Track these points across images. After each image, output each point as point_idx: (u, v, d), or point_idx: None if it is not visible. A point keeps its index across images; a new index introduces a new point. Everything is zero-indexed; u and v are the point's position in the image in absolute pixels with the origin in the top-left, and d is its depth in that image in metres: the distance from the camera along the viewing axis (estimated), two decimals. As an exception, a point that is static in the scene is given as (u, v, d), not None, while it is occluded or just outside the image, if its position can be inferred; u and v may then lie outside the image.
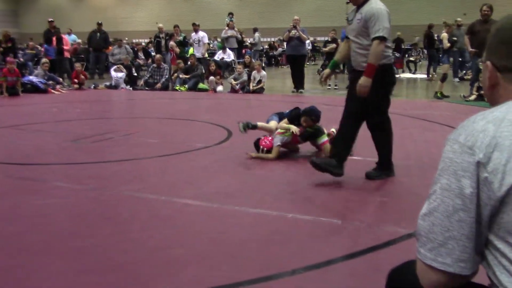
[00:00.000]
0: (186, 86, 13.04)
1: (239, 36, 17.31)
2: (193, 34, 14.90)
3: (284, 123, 5.39)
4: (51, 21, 16.20)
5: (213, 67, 13.08)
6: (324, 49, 16.58)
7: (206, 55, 15.42)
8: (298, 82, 12.27)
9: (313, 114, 5.25)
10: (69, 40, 17.26)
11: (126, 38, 24.12)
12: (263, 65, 17.28)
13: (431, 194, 1.14)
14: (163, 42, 15.59)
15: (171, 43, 14.98)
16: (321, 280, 2.55)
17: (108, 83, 14.09)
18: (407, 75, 17.85)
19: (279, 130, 5.30)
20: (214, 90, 12.59)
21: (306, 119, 5.24)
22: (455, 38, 13.22)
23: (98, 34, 16.77)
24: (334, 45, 13.79)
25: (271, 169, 4.86)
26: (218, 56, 16.96)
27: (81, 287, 2.49)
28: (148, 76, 13.90)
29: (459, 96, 10.86)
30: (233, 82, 12.40)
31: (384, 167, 4.48)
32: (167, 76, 13.69)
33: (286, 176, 4.59)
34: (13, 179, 4.56)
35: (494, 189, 1.03)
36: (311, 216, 3.49)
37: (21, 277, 2.59)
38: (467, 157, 1.07)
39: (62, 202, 3.85)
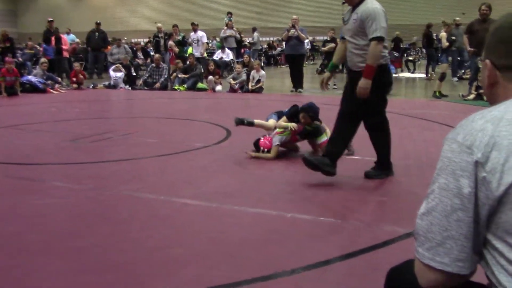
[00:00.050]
0: (185, 85, 13.03)
1: (238, 35, 17.32)
2: (192, 33, 14.90)
3: (282, 121, 5.39)
4: (51, 20, 16.19)
5: (212, 66, 13.08)
6: (323, 48, 16.58)
7: (205, 54, 15.41)
8: (297, 81, 12.27)
9: (310, 110, 5.25)
10: (68, 39, 17.24)
11: (125, 38, 24.12)
12: (262, 64, 17.27)
13: (429, 194, 1.14)
14: (162, 41, 15.58)
15: (170, 42, 14.98)
16: (320, 279, 2.55)
17: (107, 83, 14.09)
18: (406, 74, 17.86)
19: (277, 130, 5.30)
20: (213, 90, 12.59)
21: (304, 116, 5.24)
22: (453, 38, 13.23)
23: (97, 33, 16.75)
24: (333, 45, 13.81)
25: (270, 169, 4.86)
26: (217, 55, 16.96)
27: (79, 287, 2.49)
28: (147, 75, 13.89)
29: (457, 95, 10.88)
30: (232, 82, 12.41)
31: (383, 167, 4.48)
32: (166, 76, 13.69)
33: (285, 175, 4.59)
34: (12, 179, 4.56)
35: (492, 189, 1.03)
36: (310, 215, 3.50)
37: (20, 277, 2.59)
38: (465, 156, 1.07)
39: (61, 202, 3.85)
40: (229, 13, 18.79)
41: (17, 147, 5.94)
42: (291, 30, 11.89)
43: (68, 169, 4.93)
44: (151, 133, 6.90)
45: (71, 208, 3.70)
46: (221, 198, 3.88)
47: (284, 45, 14.15)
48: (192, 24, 15.12)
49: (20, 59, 17.35)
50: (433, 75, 15.50)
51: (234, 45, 17.08)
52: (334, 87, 12.72)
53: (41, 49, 17.62)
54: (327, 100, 9.11)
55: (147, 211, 3.63)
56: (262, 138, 5.34)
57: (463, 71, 14.99)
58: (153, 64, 13.92)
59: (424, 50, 18.03)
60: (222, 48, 17.19)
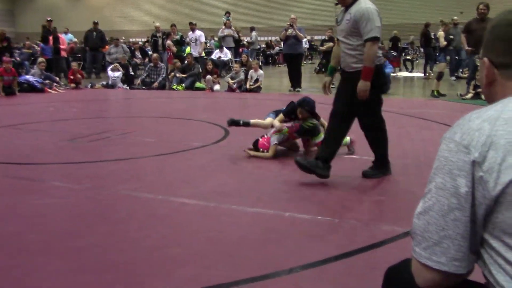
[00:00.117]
0: (183, 85, 13.03)
1: (236, 35, 17.30)
2: (190, 33, 14.89)
3: (279, 119, 5.39)
4: (50, 20, 16.17)
5: (210, 66, 13.08)
6: (321, 47, 16.62)
7: (203, 54, 15.41)
8: (295, 81, 12.27)
9: (305, 104, 5.27)
10: (66, 39, 17.22)
11: (123, 37, 24.10)
12: (260, 64, 17.29)
13: (426, 193, 1.14)
14: (160, 41, 15.57)
15: (168, 42, 14.97)
16: (318, 278, 2.56)
17: (104, 82, 14.08)
18: (404, 73, 17.88)
19: (274, 129, 5.30)
20: (211, 89, 12.59)
21: (301, 111, 5.26)
22: (451, 37, 13.25)
23: (95, 33, 16.74)
24: (331, 44, 13.83)
25: (268, 168, 4.86)
26: (215, 55, 16.95)
27: (77, 286, 2.49)
28: (145, 75, 13.88)
29: (455, 94, 10.89)
30: (230, 81, 12.40)
31: (380, 166, 4.48)
32: (164, 75, 13.68)
33: (283, 175, 4.60)
34: (11, 178, 4.55)
35: (489, 188, 1.03)
36: (308, 215, 3.50)
37: (20, 277, 2.59)
38: (462, 156, 1.07)
39: (60, 201, 3.85)
40: (227, 13, 18.75)
41: (16, 147, 5.93)
42: (289, 30, 11.89)
43: (66, 168, 4.93)
44: (149, 132, 6.90)
45: (70, 208, 3.70)
46: (219, 197, 3.89)
47: (282, 44, 14.14)
48: (190, 23, 15.11)
49: (18, 58, 17.33)
50: (431, 74, 15.53)
51: (232, 44, 17.07)
52: (332, 86, 12.70)
53: (38, 48, 17.58)
54: (325, 99, 9.12)
55: (145, 210, 3.63)
56: (260, 139, 5.35)
57: (461, 70, 14.99)
58: (151, 64, 13.91)
59: (422, 49, 18.05)
60: (220, 47, 17.18)
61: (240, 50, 19.17)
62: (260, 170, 4.81)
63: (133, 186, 4.24)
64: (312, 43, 26.37)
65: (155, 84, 13.34)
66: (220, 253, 2.85)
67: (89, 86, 13.84)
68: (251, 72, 12.35)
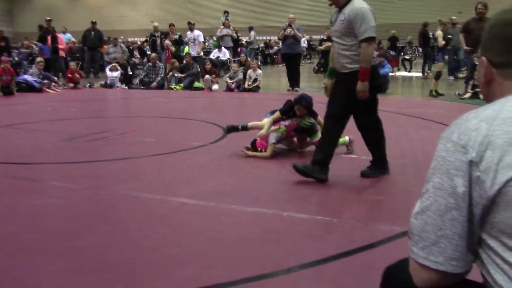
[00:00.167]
0: (182, 85, 13.02)
1: (234, 34, 17.31)
2: (189, 33, 14.88)
3: (274, 118, 5.39)
4: (49, 20, 16.14)
5: (208, 65, 13.08)
6: (319, 47, 16.61)
7: (202, 53, 15.40)
8: (294, 80, 12.27)
9: (303, 100, 5.27)
10: (64, 39, 17.20)
11: (122, 37, 24.08)
12: (259, 63, 17.28)
13: (424, 193, 1.15)
14: (158, 41, 15.56)
15: (167, 41, 14.96)
16: (317, 278, 2.57)
17: (103, 82, 14.07)
18: (403, 73, 17.89)
19: (272, 128, 5.30)
20: (210, 89, 12.59)
21: (299, 108, 5.27)
22: (450, 36, 13.26)
23: (93, 33, 16.72)
24: (329, 43, 13.77)
25: (267, 168, 4.87)
26: (214, 54, 16.95)
27: (76, 286, 2.49)
28: (143, 75, 13.88)
29: (454, 94, 10.90)
30: (229, 81, 12.40)
31: (379, 166, 4.49)
32: (162, 75, 13.67)
33: (282, 174, 4.60)
34: (10, 178, 4.56)
35: (486, 188, 1.04)
36: (307, 214, 3.51)
37: (19, 277, 2.59)
38: (460, 155, 1.07)
39: (60, 201, 3.85)
40: (226, 12, 18.75)
41: (14, 147, 5.93)
42: (288, 29, 11.89)
43: (65, 168, 4.93)
44: (148, 132, 6.90)
45: (70, 208, 3.70)
46: (218, 197, 3.89)
47: (280, 44, 14.14)
48: (189, 23, 15.10)
49: (16, 58, 17.31)
50: (429, 74, 15.54)
51: (231, 44, 17.07)
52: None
53: (36, 48, 17.54)
54: (323, 99, 9.13)
55: (144, 210, 3.64)
56: (258, 139, 5.35)
57: (457, 70, 14.98)
58: (150, 63, 13.91)
59: (420, 49, 18.07)
60: (218, 47, 17.18)
61: (239, 49, 19.17)
62: (258, 169, 4.81)
63: (132, 186, 4.24)
64: (311, 42, 26.36)
65: (154, 84, 13.34)
66: (220, 252, 2.86)
67: (87, 86, 13.82)
68: (249, 71, 12.35)
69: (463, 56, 12.90)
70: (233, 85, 12.30)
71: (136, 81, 13.99)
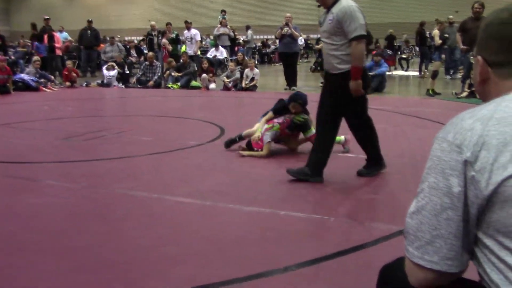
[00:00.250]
0: (179, 83, 13.01)
1: (231, 33, 17.30)
2: (186, 31, 14.87)
3: (267, 117, 5.41)
4: (47, 18, 16.09)
5: (205, 64, 13.06)
6: (316, 46, 16.62)
7: (199, 52, 15.38)
8: (291, 79, 12.27)
9: (299, 98, 5.31)
10: (61, 37, 17.16)
11: (118, 36, 24.04)
12: (256, 62, 17.27)
13: (419, 193, 1.15)
14: (155, 39, 15.54)
15: (164, 40, 14.94)
16: (314, 277, 2.57)
17: (100, 81, 14.04)
18: (399, 72, 17.92)
19: (266, 126, 5.31)
20: (207, 88, 12.58)
21: (294, 105, 5.29)
22: (446, 35, 13.27)
23: (89, 31, 16.68)
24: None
25: (264, 167, 4.87)
26: (211, 53, 16.94)
27: (74, 286, 2.49)
28: (140, 74, 13.85)
29: (451, 93, 10.92)
30: (226, 80, 12.40)
31: (374, 164, 4.48)
32: (159, 74, 13.66)
33: (279, 173, 4.60)
34: (7, 177, 4.54)
35: (481, 188, 1.04)
36: (304, 213, 3.51)
37: (14, 276, 2.59)
38: (455, 155, 1.07)
39: (56, 200, 3.84)
40: (223, 11, 18.75)
41: (11, 146, 5.92)
42: (285, 28, 11.89)
43: (62, 167, 4.92)
44: (145, 131, 6.89)
45: (67, 207, 3.70)
46: (215, 196, 3.89)
47: (277, 43, 14.14)
48: (186, 22, 15.09)
49: (12, 57, 17.27)
50: (426, 73, 15.56)
51: (228, 43, 17.06)
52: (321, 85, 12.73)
53: (30, 43, 17.44)
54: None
55: (141, 209, 3.63)
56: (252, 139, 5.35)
57: (453, 71, 14.99)
58: (147, 62, 13.88)
59: (417, 48, 18.10)
60: (215, 46, 17.17)
61: (236, 48, 19.16)
62: (256, 169, 4.81)
63: (129, 185, 4.24)
64: (308, 41, 26.37)
65: (151, 83, 13.32)
66: (217, 252, 2.86)
67: (84, 85, 13.80)
68: (246, 71, 12.35)
69: (459, 55, 12.92)
70: (230, 84, 12.29)
71: (133, 80, 13.97)
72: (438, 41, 13.12)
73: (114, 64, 14.05)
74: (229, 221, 3.39)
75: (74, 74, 13.73)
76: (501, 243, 1.05)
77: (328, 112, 4.26)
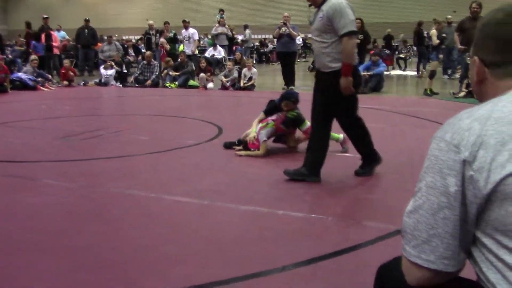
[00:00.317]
0: (176, 83, 13.00)
1: (229, 33, 17.28)
2: (183, 31, 14.86)
3: (258, 120, 5.44)
4: (46, 17, 16.06)
5: (203, 64, 13.06)
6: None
7: (197, 52, 15.37)
8: (289, 79, 12.26)
9: (291, 96, 5.39)
10: (59, 36, 17.13)
11: (116, 35, 24.01)
12: (254, 62, 17.28)
13: (417, 192, 1.15)
14: (153, 39, 15.52)
15: (161, 39, 14.93)
16: (311, 276, 2.57)
17: (97, 80, 14.03)
18: (397, 72, 17.94)
19: (260, 125, 5.31)
20: (205, 87, 12.57)
21: (286, 103, 5.33)
22: (444, 35, 13.29)
23: (86, 30, 16.65)
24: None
25: (262, 167, 4.87)
26: (209, 53, 16.93)
27: (73, 285, 2.48)
28: (138, 73, 13.84)
29: (448, 93, 10.94)
30: (224, 79, 12.39)
31: (369, 162, 4.48)
32: (157, 73, 13.65)
33: (277, 173, 4.60)
34: (4, 177, 4.53)
35: (479, 187, 1.04)
36: (302, 213, 3.51)
37: (11, 276, 2.58)
38: (453, 155, 1.08)
39: (54, 200, 3.84)
40: (221, 10, 18.74)
41: (8, 145, 5.90)
42: (283, 28, 11.89)
43: (59, 166, 4.92)
44: (143, 130, 6.89)
45: (65, 206, 3.69)
46: (213, 195, 3.89)
47: (275, 42, 14.14)
48: (184, 21, 15.07)
49: (10, 56, 17.23)
50: (424, 72, 15.58)
51: (226, 42, 17.05)
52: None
53: (24, 40, 17.37)
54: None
55: (139, 208, 3.63)
56: (248, 139, 5.35)
57: (451, 70, 15.02)
58: (145, 61, 13.88)
59: (415, 48, 18.12)
60: (213, 45, 17.16)
61: (234, 48, 19.15)
62: (253, 168, 4.81)
63: (127, 184, 4.23)
64: (306, 41, 26.37)
65: (148, 82, 13.31)
66: (214, 251, 2.86)
67: (81, 84, 13.78)
68: (244, 70, 12.34)
69: (456, 55, 12.94)
70: (228, 84, 12.29)
71: (131, 79, 13.96)
72: (435, 41, 13.14)
73: (112, 63, 14.03)
74: (227, 220, 3.39)
75: (71, 73, 13.71)
76: (499, 241, 1.05)
77: (320, 111, 4.26)
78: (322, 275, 2.59)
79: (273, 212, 3.51)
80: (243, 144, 5.39)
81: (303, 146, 5.53)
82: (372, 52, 13.45)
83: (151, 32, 15.67)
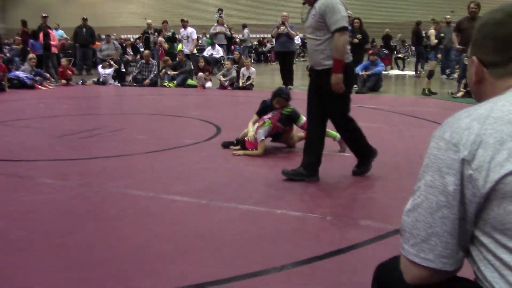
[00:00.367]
0: (175, 82, 12.99)
1: (228, 32, 17.28)
2: (182, 30, 14.85)
3: (252, 122, 5.45)
4: (45, 16, 16.03)
5: (202, 63, 13.05)
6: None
7: (195, 51, 15.36)
8: (287, 78, 12.27)
9: (282, 92, 5.41)
10: (57, 35, 17.10)
11: (114, 34, 24.00)
12: (252, 61, 17.28)
13: (416, 191, 1.15)
14: (152, 38, 15.51)
15: (160, 38, 14.92)
16: (309, 275, 2.56)
17: (96, 79, 14.01)
18: (396, 71, 17.95)
19: (257, 124, 5.31)
20: (203, 87, 12.57)
21: (278, 100, 5.35)
22: (442, 35, 13.30)
23: (84, 29, 16.62)
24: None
25: (260, 166, 4.86)
26: (207, 52, 16.92)
27: (66, 284, 2.47)
28: (136, 72, 13.83)
29: (446, 93, 10.95)
30: (222, 79, 12.39)
31: (365, 160, 4.45)
32: (155, 72, 13.63)
33: (275, 172, 4.59)
34: (1, 175, 4.52)
35: (478, 186, 1.04)
36: (300, 212, 3.51)
37: (5, 274, 2.57)
38: (452, 154, 1.08)
39: (49, 198, 3.83)
40: (220, 10, 18.73)
41: (6, 144, 5.89)
42: (281, 27, 11.89)
43: (56, 165, 4.91)
44: (141, 129, 6.88)
45: (60, 205, 3.68)
46: (211, 194, 3.88)
47: (274, 42, 14.14)
48: (182, 20, 15.07)
49: (8, 54, 17.20)
50: (422, 72, 15.59)
51: (224, 41, 17.05)
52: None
53: (19, 38, 17.33)
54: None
55: (136, 207, 3.62)
56: (247, 139, 5.34)
57: (449, 70, 15.03)
58: (143, 61, 13.86)
59: (413, 48, 18.13)
60: (212, 44, 17.16)
61: (232, 47, 19.16)
62: (251, 167, 4.81)
63: (124, 183, 4.22)
64: (305, 40, 26.36)
65: (147, 81, 13.29)
66: (212, 250, 2.85)
67: (80, 83, 13.77)
68: (243, 69, 12.34)
69: (454, 55, 12.95)
70: (226, 83, 12.28)
71: (129, 78, 13.95)
72: (434, 40, 13.14)
73: (111, 61, 14.02)
74: (225, 219, 3.39)
75: (69, 72, 13.70)
76: (498, 240, 1.05)
77: (315, 110, 4.26)
78: (321, 275, 2.58)
79: (271, 212, 3.50)
80: (241, 143, 5.38)
81: (300, 145, 5.53)
82: (370, 51, 13.45)
83: (149, 31, 15.66)
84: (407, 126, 6.92)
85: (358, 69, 11.51)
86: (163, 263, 2.69)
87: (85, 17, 17.12)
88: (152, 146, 5.68)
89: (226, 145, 5.53)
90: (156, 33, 15.40)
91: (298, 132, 5.60)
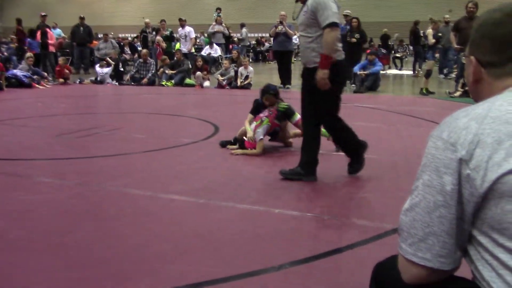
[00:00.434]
0: (173, 81, 12.99)
1: (226, 31, 17.27)
2: (180, 29, 14.84)
3: (248, 121, 5.47)
4: (44, 15, 16.00)
5: (200, 62, 13.04)
6: (311, 44, 16.56)
7: (193, 50, 15.35)
8: (285, 77, 12.27)
9: (270, 89, 5.44)
10: (55, 34, 17.06)
11: (112, 33, 23.96)
12: (250, 60, 17.27)
13: (413, 190, 1.16)
14: (149, 37, 15.49)
15: (158, 38, 14.91)
16: (307, 275, 2.57)
17: (93, 78, 14.00)
18: (393, 71, 17.97)
19: (255, 123, 5.31)
20: (201, 86, 12.56)
21: (267, 97, 5.39)
22: (440, 34, 13.31)
23: (81, 28, 16.59)
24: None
25: (258, 165, 4.87)
26: (205, 51, 16.92)
27: (64, 283, 2.48)
28: (134, 71, 13.81)
29: (444, 92, 10.96)
30: (220, 78, 12.39)
31: (357, 159, 4.44)
32: (153, 71, 13.62)
33: (273, 171, 4.60)
34: (-2, 174, 4.52)
35: (476, 186, 1.05)
36: (298, 211, 3.51)
37: (5, 274, 2.57)
38: (449, 153, 1.08)
39: (47, 197, 3.83)
40: (218, 9, 18.74)
41: (3, 143, 5.88)
42: (279, 26, 11.89)
43: (54, 164, 4.90)
44: (139, 128, 6.88)
45: (58, 204, 3.68)
46: (209, 194, 3.88)
47: (272, 41, 14.14)
48: (180, 19, 15.05)
49: (5, 53, 17.16)
50: (420, 72, 15.60)
51: (222, 40, 17.04)
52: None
53: (16, 40, 17.31)
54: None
55: (135, 207, 3.62)
56: (246, 139, 5.35)
57: (447, 70, 15.04)
58: (141, 60, 13.85)
59: (411, 47, 18.15)
60: (210, 43, 17.16)
61: (230, 46, 19.15)
62: (250, 167, 4.81)
63: (122, 182, 4.22)
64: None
65: (145, 80, 13.28)
66: (210, 249, 2.86)
67: (77, 82, 13.75)
68: (241, 69, 12.34)
69: (452, 55, 12.96)
70: (224, 82, 12.28)
71: (127, 77, 13.93)
72: (431, 40, 13.15)
73: (109, 60, 14.00)
74: (223, 219, 3.39)
75: (66, 71, 13.68)
76: (495, 240, 1.06)
77: (309, 110, 4.26)
78: (319, 274, 2.59)
79: (269, 211, 3.51)
80: (239, 142, 5.39)
81: (298, 145, 5.54)
82: (368, 51, 13.47)
83: (147, 30, 15.65)
84: (405, 126, 6.93)
85: (356, 69, 11.52)
86: (162, 262, 2.70)
87: (82, 16, 17.08)
88: (150, 145, 5.68)
89: (224, 144, 5.54)
90: (154, 32, 15.39)
91: (292, 129, 5.60)
